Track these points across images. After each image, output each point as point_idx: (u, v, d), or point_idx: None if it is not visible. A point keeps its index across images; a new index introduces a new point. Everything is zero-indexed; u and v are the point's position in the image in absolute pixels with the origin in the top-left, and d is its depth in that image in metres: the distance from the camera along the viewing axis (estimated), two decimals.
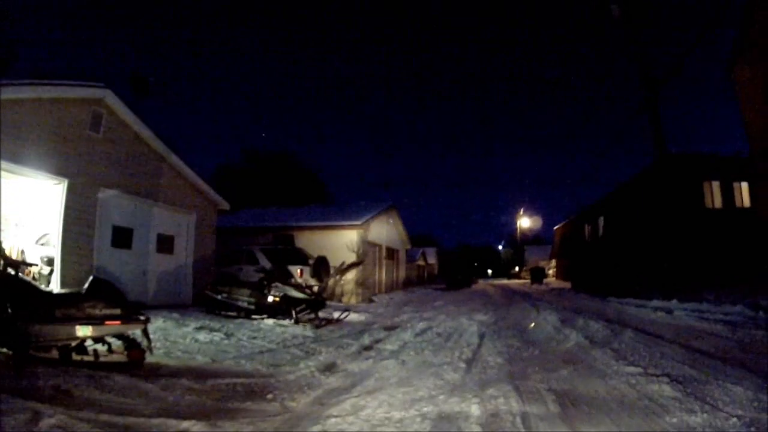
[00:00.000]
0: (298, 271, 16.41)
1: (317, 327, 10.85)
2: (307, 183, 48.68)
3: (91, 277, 6.32)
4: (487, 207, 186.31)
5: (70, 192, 10.69)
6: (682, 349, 7.11)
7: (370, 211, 23.51)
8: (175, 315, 10.82)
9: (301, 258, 17.72)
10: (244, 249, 17.96)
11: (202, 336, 8.64)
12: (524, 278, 59.82)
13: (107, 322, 5.69)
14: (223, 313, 12.15)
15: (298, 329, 10.40)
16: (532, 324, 11.23)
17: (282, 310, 11.57)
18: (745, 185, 24.26)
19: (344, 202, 28.66)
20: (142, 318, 6.04)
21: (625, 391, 4.84)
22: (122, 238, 12.45)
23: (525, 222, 71.46)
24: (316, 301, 11.91)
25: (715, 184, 24.57)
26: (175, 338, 8.33)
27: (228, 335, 8.97)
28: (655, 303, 14.54)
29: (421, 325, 11.19)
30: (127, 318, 5.89)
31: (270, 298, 11.71)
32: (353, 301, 20.01)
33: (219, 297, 12.34)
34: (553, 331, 9.72)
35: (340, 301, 19.66)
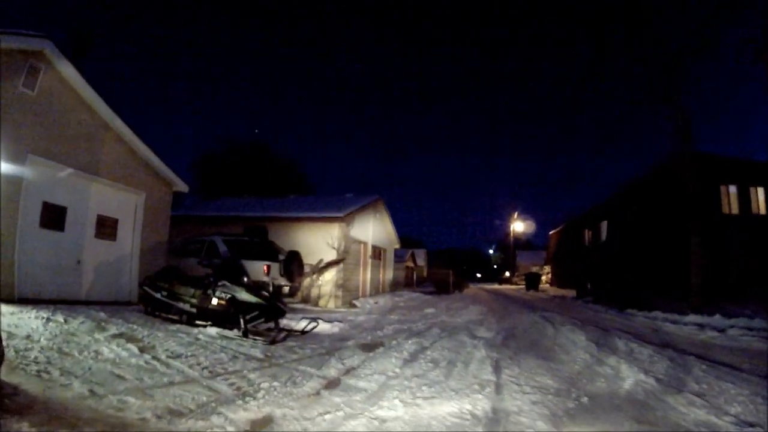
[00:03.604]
0: (264, 267, 14.03)
1: (272, 342, 8.37)
2: (288, 175, 46.68)
3: None
4: (474, 210, 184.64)
5: None
6: None
7: (355, 203, 20.87)
8: (102, 315, 8.91)
9: (271, 252, 15.22)
10: (205, 239, 15.46)
11: (110, 349, 6.43)
12: (517, 284, 58.22)
13: None
14: (163, 315, 9.91)
15: (246, 344, 7.98)
16: (557, 347, 8.99)
17: (230, 316, 9.13)
18: (761, 191, 23.28)
19: (326, 194, 26.19)
20: None
21: None
22: (53, 217, 10.53)
23: (519, 226, 69.54)
24: (273, 308, 9.39)
25: (732, 189, 23.34)
26: (72, 349, 6.20)
27: (145, 350, 6.65)
28: (692, 318, 13.14)
29: (411, 344, 8.85)
30: None
31: (214, 301, 9.27)
32: (332, 304, 17.58)
33: (158, 295, 10.04)
34: (591, 359, 7.69)
35: (316, 304, 17.31)
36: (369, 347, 8.57)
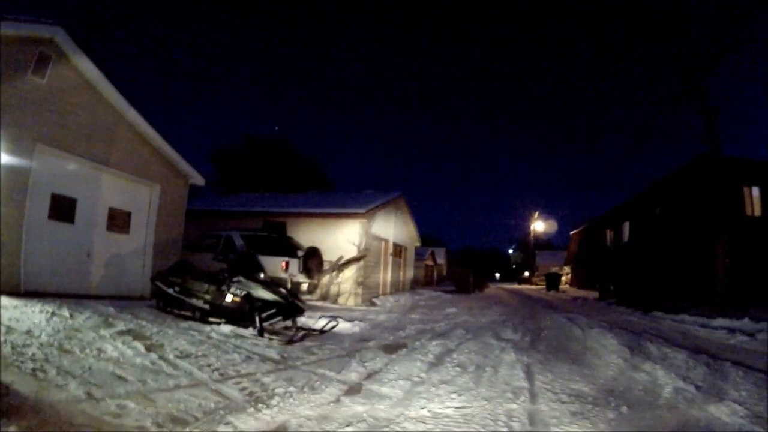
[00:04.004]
0: (283, 263, 13.55)
1: (288, 342, 7.86)
2: (307, 171, 46.35)
3: None
4: (494, 209, 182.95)
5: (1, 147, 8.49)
6: None
7: (376, 200, 20.18)
8: (110, 310, 8.47)
9: (290, 248, 14.69)
10: (221, 234, 15.01)
11: (114, 346, 5.94)
12: (536, 284, 57.34)
13: None
14: (175, 311, 9.44)
15: (261, 344, 7.46)
16: (588, 351, 8.40)
17: (245, 314, 8.64)
18: None
19: (347, 191, 25.69)
20: None
21: None
22: (63, 209, 10.12)
23: (539, 225, 68.56)
24: (290, 306, 8.89)
25: (756, 190, 22.49)
26: (73, 346, 5.72)
27: (152, 348, 6.18)
28: (721, 322, 12.52)
29: (436, 346, 8.29)
30: None
31: (228, 298, 8.77)
32: (351, 302, 17.00)
33: (170, 291, 9.57)
34: (625, 365, 7.08)
35: (335, 302, 16.73)
36: (391, 348, 8.05)
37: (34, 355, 5.10)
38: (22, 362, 4.77)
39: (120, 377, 4.81)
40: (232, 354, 6.47)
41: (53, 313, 7.27)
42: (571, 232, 51.38)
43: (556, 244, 78.59)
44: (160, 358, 5.75)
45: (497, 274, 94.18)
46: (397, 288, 23.99)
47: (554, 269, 53.60)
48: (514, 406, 4.84)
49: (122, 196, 11.66)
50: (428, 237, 42.81)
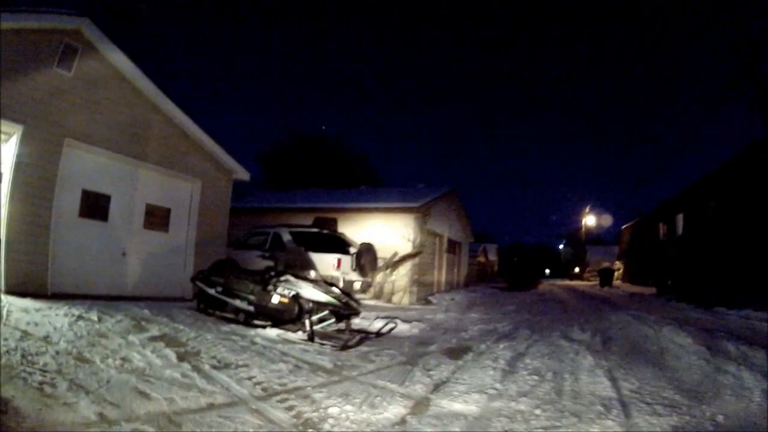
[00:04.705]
0: (335, 261, 12.73)
1: (343, 348, 6.95)
2: (356, 167, 45.27)
3: None
4: (543, 204, 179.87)
5: (25, 142, 8.14)
6: None
7: (430, 194, 19.10)
8: (145, 313, 7.81)
9: (341, 245, 13.89)
10: (268, 230, 14.23)
11: (142, 355, 5.18)
12: (588, 280, 55.44)
13: None
14: (217, 314, 8.71)
15: (311, 350, 6.57)
16: (665, 352, 7.52)
17: (293, 316, 7.76)
18: None
19: (398, 186, 24.78)
20: None
21: None
22: (95, 206, 9.55)
23: (591, 220, 66.50)
24: (345, 307, 7.95)
25: None
26: (94, 354, 4.98)
27: (185, 357, 5.36)
28: None
29: (503, 350, 7.35)
30: None
31: (275, 299, 7.90)
32: (406, 301, 16.08)
33: (212, 291, 8.82)
34: (708, 366, 6.34)
35: (389, 300, 15.83)
36: (456, 353, 7.09)
37: (46, 365, 4.40)
38: (30, 374, 4.06)
39: (143, 394, 3.99)
40: (278, 363, 5.57)
41: (79, 317, 6.57)
42: (623, 227, 49.93)
43: (607, 239, 76.37)
44: (194, 369, 4.91)
45: (547, 270, 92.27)
46: (451, 285, 23.01)
47: (605, 265, 52.14)
48: (610, 422, 4.11)
49: (160, 192, 11.02)
50: (478, 233, 41.85)
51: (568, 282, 54.78)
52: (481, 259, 45.00)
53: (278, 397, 4.29)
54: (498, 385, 5.22)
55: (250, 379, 4.83)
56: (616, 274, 47.45)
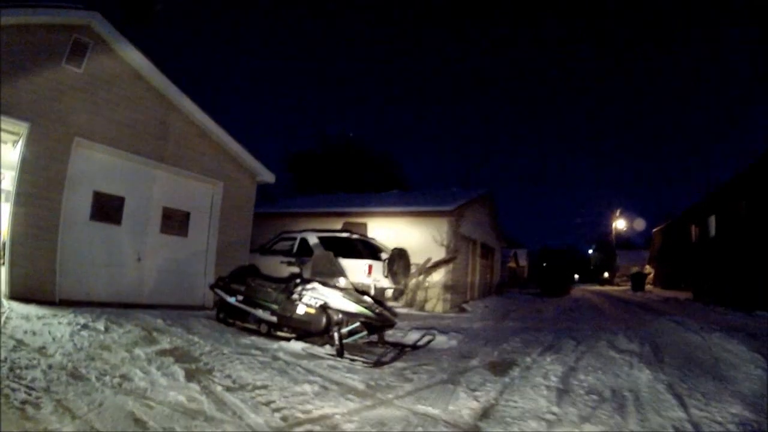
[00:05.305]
0: (366, 267, 12.12)
1: (376, 364, 6.19)
2: (384, 172, 44.73)
3: None
4: (571, 208, 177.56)
5: (31, 141, 7.76)
6: None
7: (463, 197, 18.32)
8: (158, 322, 7.19)
9: (372, 250, 13.29)
10: (295, 235, 13.63)
11: (145, 372, 4.59)
12: (618, 285, 54.55)
13: None
14: (237, 324, 8.07)
15: (340, 367, 5.83)
16: (719, 362, 7.13)
17: (321, 328, 7.02)
18: None
19: (428, 189, 24.12)
20: None
21: None
22: (107, 208, 9.06)
23: (620, 224, 65.18)
24: (379, 318, 7.13)
25: None
26: (91, 370, 4.47)
27: (195, 375, 4.70)
28: None
29: (551, 363, 6.65)
30: None
31: (301, 309, 7.18)
32: (439, 308, 15.36)
33: (232, 300, 8.17)
34: (766, 375, 6.07)
35: (421, 308, 15.07)
36: (500, 368, 6.34)
37: (34, 380, 3.95)
38: (13, 390, 3.64)
39: (138, 421, 3.39)
40: (302, 384, 4.83)
41: (84, 326, 6.03)
42: (654, 230, 49.04)
43: (636, 243, 74.93)
44: (203, 390, 4.24)
45: (576, 275, 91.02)
46: (484, 292, 22.23)
47: (635, 269, 51.35)
48: None
49: (179, 194, 10.47)
50: (508, 238, 41.34)
51: (598, 287, 54.03)
52: (512, 264, 44.53)
53: (300, 429, 3.59)
54: (555, 409, 4.55)
55: (268, 404, 4.12)
56: (647, 278, 46.50)
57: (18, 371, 4.03)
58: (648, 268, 50.40)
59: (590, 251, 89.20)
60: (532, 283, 41.56)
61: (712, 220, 28.02)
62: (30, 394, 3.57)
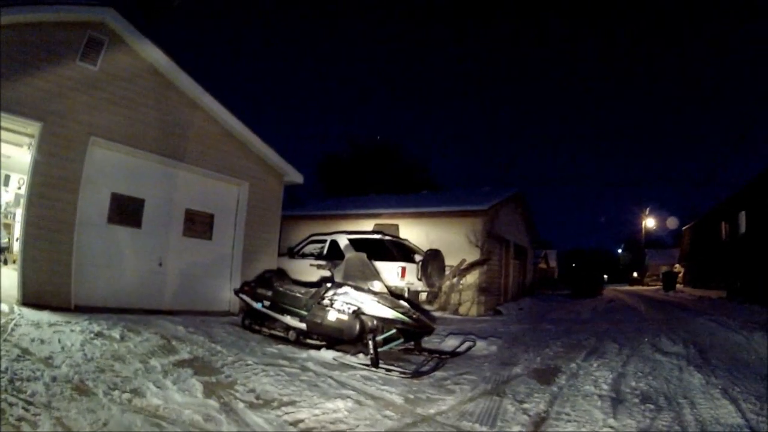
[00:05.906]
0: (400, 270, 11.64)
1: (415, 375, 5.70)
2: (414, 173, 44.22)
3: None
4: (600, 207, 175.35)
5: (45, 140, 7.42)
6: None
7: (496, 196, 17.71)
8: (179, 330, 6.75)
9: (405, 252, 12.81)
10: (325, 238, 13.24)
11: (159, 386, 4.18)
12: (648, 285, 53.85)
13: None
14: (264, 331, 7.68)
15: (376, 378, 5.37)
16: (762, 361, 7.14)
17: (354, 336, 6.50)
18: None
19: (459, 189, 23.63)
20: None
21: None
22: (126, 211, 8.71)
23: (650, 222, 64.00)
24: (417, 324, 6.66)
25: None
26: (100, 384, 4.04)
27: (215, 390, 4.27)
28: None
29: (598, 369, 6.36)
30: None
31: (332, 315, 6.71)
32: (474, 311, 14.82)
33: (258, 305, 7.77)
34: None
35: (455, 311, 14.53)
36: (545, 376, 5.91)
37: (34, 394, 3.57)
38: (11, 405, 3.30)
39: None
40: (334, 399, 4.36)
41: (98, 334, 5.64)
42: (683, 228, 47.55)
43: (665, 241, 73.54)
44: (223, 407, 3.82)
45: (605, 276, 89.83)
46: (517, 294, 21.71)
47: (664, 268, 50.55)
48: None
49: (202, 195, 10.11)
50: (539, 239, 40.94)
51: (628, 287, 53.32)
52: (543, 265, 44.00)
53: None
54: (612, 421, 4.20)
55: (295, 424, 3.66)
56: (677, 277, 45.61)
57: (18, 383, 3.68)
58: (677, 267, 49.41)
59: (619, 251, 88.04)
60: (562, 284, 41.00)
61: (742, 216, 27.47)
62: (28, 410, 3.24)
